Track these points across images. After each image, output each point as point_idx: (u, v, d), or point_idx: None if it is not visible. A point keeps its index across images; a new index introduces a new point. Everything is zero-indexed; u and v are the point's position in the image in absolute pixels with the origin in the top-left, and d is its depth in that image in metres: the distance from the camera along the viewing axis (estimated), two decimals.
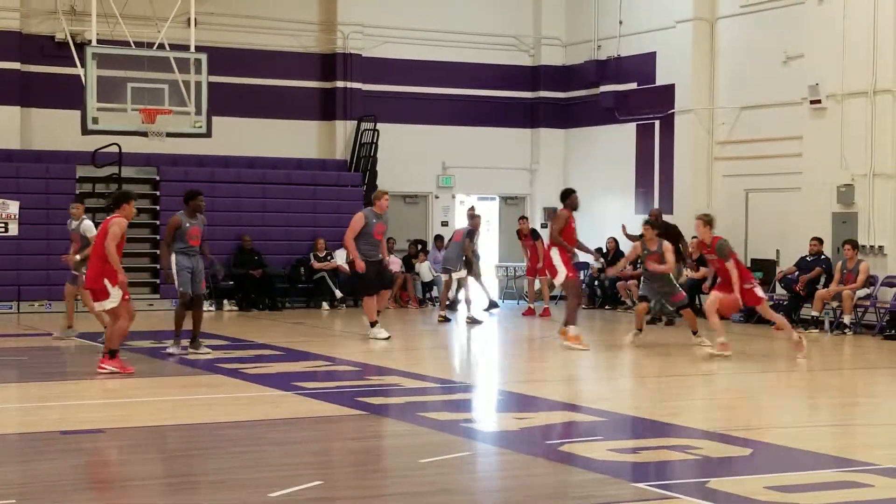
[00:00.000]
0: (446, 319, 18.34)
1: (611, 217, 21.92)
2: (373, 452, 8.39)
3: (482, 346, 16.25)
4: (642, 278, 15.50)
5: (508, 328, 18.53)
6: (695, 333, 14.74)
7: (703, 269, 19.72)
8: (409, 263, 21.99)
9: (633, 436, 9.13)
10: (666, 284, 14.81)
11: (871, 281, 17.14)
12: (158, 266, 18.91)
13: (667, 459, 8.03)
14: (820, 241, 17.79)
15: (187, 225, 13.43)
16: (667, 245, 14.88)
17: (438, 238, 22.29)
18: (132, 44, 17.82)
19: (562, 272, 14.38)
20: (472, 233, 18.66)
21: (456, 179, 23.70)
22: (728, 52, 20.66)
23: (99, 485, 7.19)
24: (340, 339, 16.50)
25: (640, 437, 9.06)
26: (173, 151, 20.77)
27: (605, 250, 21.38)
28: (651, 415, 9.87)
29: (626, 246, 20.11)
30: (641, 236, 15.22)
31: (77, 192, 20.29)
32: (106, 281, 11.68)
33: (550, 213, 20.63)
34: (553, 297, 21.03)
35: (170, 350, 13.55)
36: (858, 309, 17.13)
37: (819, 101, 18.18)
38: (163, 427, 9.12)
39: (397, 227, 21.89)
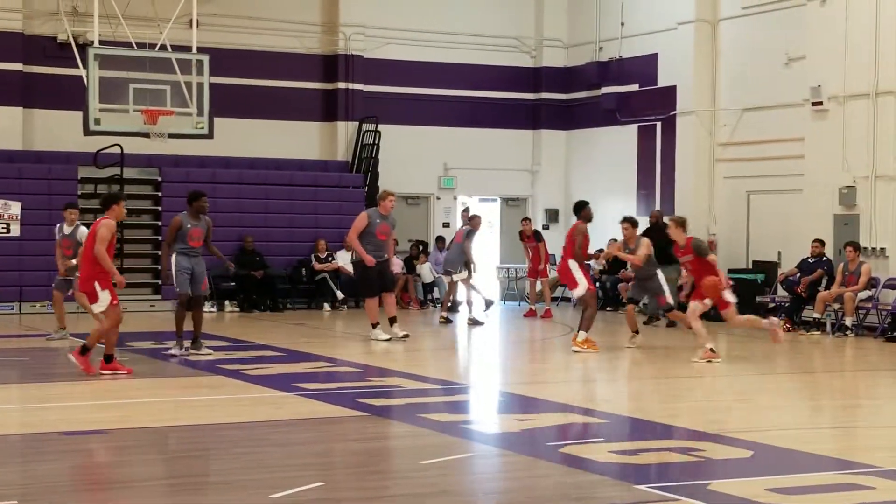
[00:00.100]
0: (447, 321, 18.34)
1: (612, 219, 21.80)
2: (374, 454, 8.39)
3: (483, 348, 16.24)
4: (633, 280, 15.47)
5: (510, 329, 18.53)
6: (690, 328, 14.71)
7: None
8: (410, 265, 22.00)
9: (635, 437, 9.12)
10: (654, 285, 14.74)
11: (872, 283, 17.13)
12: (159, 267, 18.91)
13: (668, 461, 8.03)
14: (822, 242, 17.78)
15: (188, 226, 13.41)
16: (644, 241, 14.82)
17: (440, 239, 22.30)
18: (134, 45, 17.83)
19: (582, 285, 14.38)
20: (471, 233, 18.66)
21: (457, 181, 23.70)
22: (730, 54, 20.66)
23: (100, 486, 7.19)
24: (342, 340, 16.50)
25: (642, 438, 9.05)
26: (175, 152, 20.78)
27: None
28: (652, 416, 9.86)
29: None
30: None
31: (79, 193, 20.31)
32: (96, 284, 11.64)
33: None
34: (554, 299, 21.03)
35: (172, 351, 13.55)
36: (860, 311, 17.12)
37: (821, 103, 18.17)
38: (164, 428, 9.12)
39: (398, 229, 21.81)
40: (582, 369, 13.23)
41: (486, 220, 24.78)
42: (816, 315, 17.12)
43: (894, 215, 17.56)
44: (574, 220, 15.06)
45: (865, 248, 17.54)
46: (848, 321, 16.78)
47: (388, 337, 15.02)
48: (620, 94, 22.66)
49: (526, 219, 21.29)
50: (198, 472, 7.73)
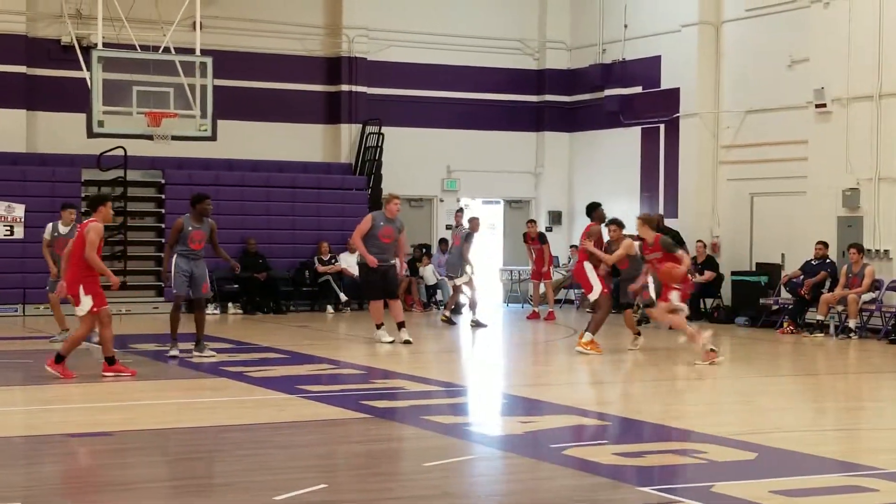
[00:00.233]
0: (449, 321, 18.32)
1: None
2: (377, 456, 8.39)
3: (486, 350, 16.24)
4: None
5: (513, 332, 18.53)
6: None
7: (708, 273, 19.75)
8: (413, 267, 22.00)
9: (638, 440, 9.12)
10: (641, 282, 14.63)
11: (876, 285, 17.12)
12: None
13: (672, 463, 8.03)
14: (825, 244, 17.77)
15: (189, 228, 13.44)
16: (625, 242, 14.73)
17: (443, 241, 22.31)
18: (138, 47, 17.85)
19: (597, 288, 14.41)
20: (469, 236, 18.67)
21: (461, 183, 23.70)
22: (733, 56, 20.66)
23: (104, 488, 7.20)
24: (345, 342, 16.51)
25: (645, 440, 9.06)
26: (178, 155, 20.80)
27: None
28: (656, 419, 9.86)
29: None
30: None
31: (82, 195, 20.32)
32: (81, 287, 11.62)
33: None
34: (557, 301, 21.03)
35: (170, 353, 13.57)
36: (864, 313, 17.10)
37: (824, 105, 18.16)
38: (168, 430, 9.13)
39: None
40: (585, 371, 13.23)
41: (490, 222, 24.82)
42: (820, 317, 17.11)
43: None
44: (588, 221, 15.06)
45: (869, 250, 17.53)
46: (851, 323, 16.77)
47: (391, 339, 15.03)
48: (624, 97, 22.66)
49: (531, 221, 21.28)
50: (201, 475, 7.74)
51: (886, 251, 17.57)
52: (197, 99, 17.50)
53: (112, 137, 18.46)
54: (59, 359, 11.63)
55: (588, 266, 14.47)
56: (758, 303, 18.86)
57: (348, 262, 20.84)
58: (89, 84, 17.04)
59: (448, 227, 23.31)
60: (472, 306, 18.59)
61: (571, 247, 22.83)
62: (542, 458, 8.09)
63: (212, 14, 20.73)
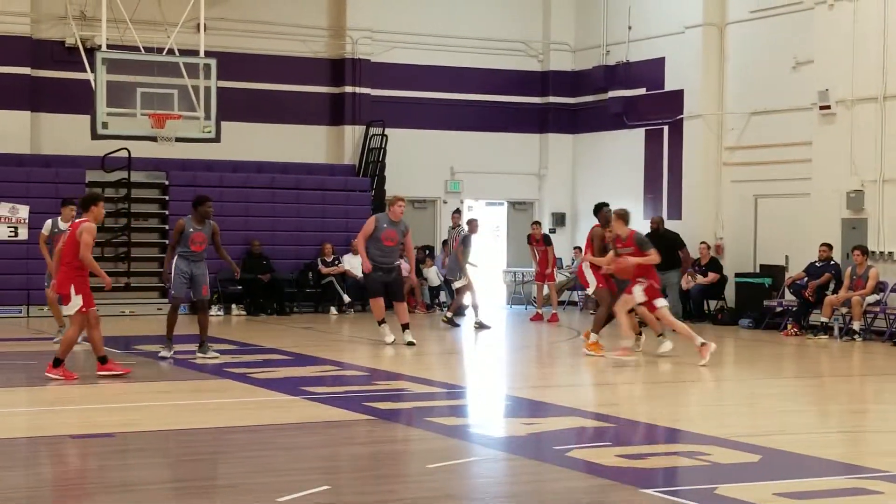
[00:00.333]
0: (451, 322, 18.31)
1: None
2: (380, 457, 8.39)
3: (490, 352, 16.23)
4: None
5: (516, 333, 18.52)
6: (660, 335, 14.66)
7: (711, 275, 19.73)
8: (416, 269, 21.98)
9: (642, 441, 9.12)
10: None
11: (880, 287, 17.10)
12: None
13: (675, 465, 8.02)
14: (829, 246, 17.75)
15: (191, 230, 13.47)
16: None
17: (446, 243, 22.29)
18: (142, 49, 17.87)
19: (592, 282, 14.52)
20: (467, 238, 18.68)
21: (464, 184, 23.70)
22: (737, 58, 20.64)
23: (107, 489, 7.20)
24: (348, 343, 16.50)
25: (649, 442, 9.05)
26: (182, 156, 20.82)
27: None
28: (659, 420, 9.86)
29: None
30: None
31: None
32: (72, 287, 11.61)
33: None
34: (561, 303, 21.02)
35: (161, 354, 13.59)
36: (868, 315, 17.08)
37: (829, 107, 18.15)
38: (171, 431, 9.13)
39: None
40: (588, 373, 13.21)
41: (494, 224, 24.81)
42: (824, 319, 17.10)
43: None
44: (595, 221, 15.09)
45: (873, 252, 17.51)
46: (856, 325, 16.75)
47: (392, 339, 15.02)
48: (627, 98, 22.65)
49: (536, 222, 21.29)
50: (204, 476, 7.74)
51: (891, 253, 17.55)
52: (201, 100, 17.51)
53: (116, 139, 18.47)
54: (57, 363, 11.63)
55: (585, 265, 14.61)
56: (761, 305, 18.84)
57: (351, 264, 20.84)
58: (93, 85, 17.06)
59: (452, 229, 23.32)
60: (474, 308, 18.57)
61: (575, 248, 22.83)
62: (546, 460, 8.08)
63: (216, 16, 20.75)
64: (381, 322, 15.23)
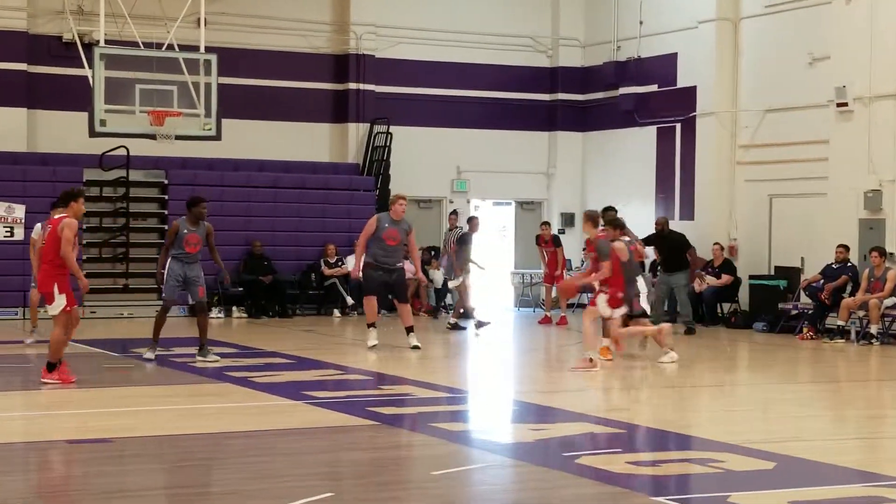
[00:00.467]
0: (455, 326, 18.32)
1: (630, 223, 21.81)
2: (384, 464, 8.39)
3: (496, 355, 16.23)
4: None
5: (524, 336, 18.51)
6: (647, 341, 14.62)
7: (725, 277, 19.72)
8: (423, 270, 21.96)
9: (653, 448, 9.11)
10: (631, 291, 14.46)
11: None
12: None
13: (687, 473, 8.01)
14: (846, 248, 17.72)
15: (185, 231, 13.51)
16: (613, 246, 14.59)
17: (444, 246, 22.27)
18: (141, 44, 17.89)
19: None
20: (464, 237, 18.70)
21: (471, 184, 23.69)
22: (752, 53, 20.62)
23: (105, 495, 7.21)
24: (352, 347, 16.50)
25: (660, 449, 9.04)
26: (182, 154, 20.84)
27: None
28: (671, 426, 9.84)
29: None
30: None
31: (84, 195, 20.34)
32: (55, 286, 11.62)
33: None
34: (570, 305, 20.99)
35: (146, 355, 13.64)
36: (886, 318, 17.04)
37: (846, 104, 18.12)
38: (170, 437, 9.14)
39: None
40: (598, 378, 13.20)
41: (501, 224, 24.81)
42: (841, 323, 17.07)
43: None
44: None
45: (891, 254, 17.47)
46: (873, 329, 16.72)
47: (374, 344, 14.96)
48: (639, 95, 22.64)
49: (545, 223, 21.29)
50: (204, 482, 7.75)
51: None
52: (201, 97, 17.53)
53: (114, 137, 18.49)
54: (51, 367, 11.63)
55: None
56: (776, 308, 18.81)
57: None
58: (91, 82, 17.08)
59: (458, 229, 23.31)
60: (468, 311, 18.64)
61: (584, 249, 22.82)
62: (554, 467, 8.07)
63: (216, 10, 20.77)
64: (370, 325, 15.16)
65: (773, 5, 20.16)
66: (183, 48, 17.96)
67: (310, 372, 13.03)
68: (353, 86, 22.73)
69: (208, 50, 17.90)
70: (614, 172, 23.30)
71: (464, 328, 18.54)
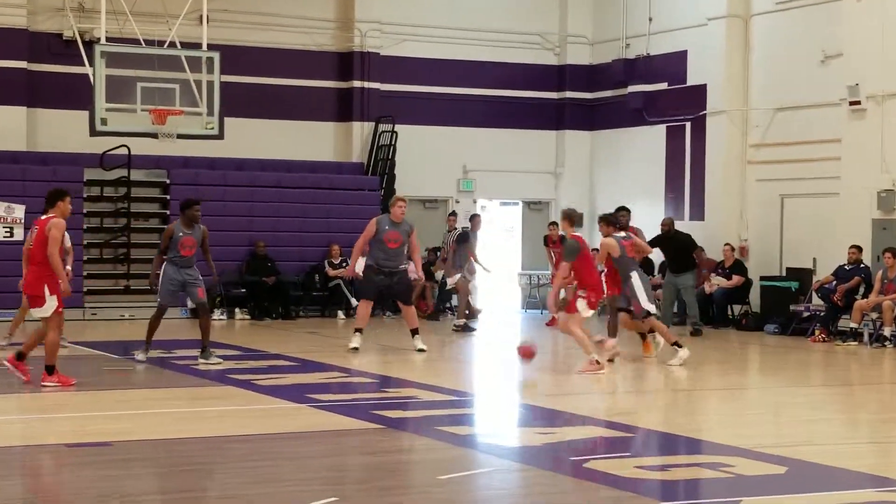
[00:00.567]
0: (463, 328, 18.32)
1: (639, 223, 21.84)
2: (389, 468, 8.39)
3: (503, 358, 16.22)
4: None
5: (531, 339, 18.49)
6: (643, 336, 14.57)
7: (736, 278, 19.69)
8: (428, 271, 21.96)
9: (662, 452, 9.11)
10: (627, 291, 14.46)
11: None
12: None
13: (697, 477, 8.00)
14: (859, 248, 17.69)
15: (180, 234, 13.54)
16: (603, 242, 14.57)
17: (442, 249, 22.25)
18: (142, 42, 17.90)
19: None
20: (463, 237, 18.70)
21: (477, 183, 23.69)
22: (763, 51, 20.59)
23: (104, 500, 7.21)
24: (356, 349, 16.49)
25: (669, 453, 9.04)
26: (184, 153, 20.86)
27: None
28: (680, 430, 9.84)
29: (655, 255, 20.03)
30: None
31: (84, 195, 20.41)
32: (45, 287, 11.61)
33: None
34: None
35: (138, 357, 13.68)
36: None
37: (859, 102, 18.09)
38: (171, 440, 9.15)
39: (417, 232, 21.84)
40: (606, 380, 13.19)
41: (509, 225, 24.81)
42: (853, 325, 17.03)
43: None
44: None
45: None
46: (887, 331, 16.68)
47: (356, 345, 14.94)
48: (648, 93, 22.62)
49: (553, 223, 21.27)
50: (205, 487, 7.75)
51: None
52: (203, 96, 17.54)
53: (115, 135, 18.50)
54: (50, 370, 11.65)
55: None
56: (788, 309, 18.78)
57: (360, 266, 20.81)
58: (92, 80, 17.09)
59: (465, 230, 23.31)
60: (459, 314, 18.70)
61: (593, 250, 22.77)
62: (562, 471, 8.07)
63: (219, 7, 20.76)
64: (357, 330, 15.10)
65: (784, 1, 20.13)
66: (185, 46, 17.97)
67: (314, 374, 13.04)
68: (357, 84, 22.73)
69: (211, 47, 17.90)
70: (623, 172, 23.28)
71: (473, 329, 18.54)
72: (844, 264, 17.78)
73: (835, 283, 17.72)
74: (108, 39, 17.36)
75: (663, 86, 22.46)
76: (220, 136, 17.99)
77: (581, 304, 13.28)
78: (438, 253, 22.26)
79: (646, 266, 19.87)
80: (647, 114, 22.66)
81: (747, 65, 20.81)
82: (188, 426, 9.87)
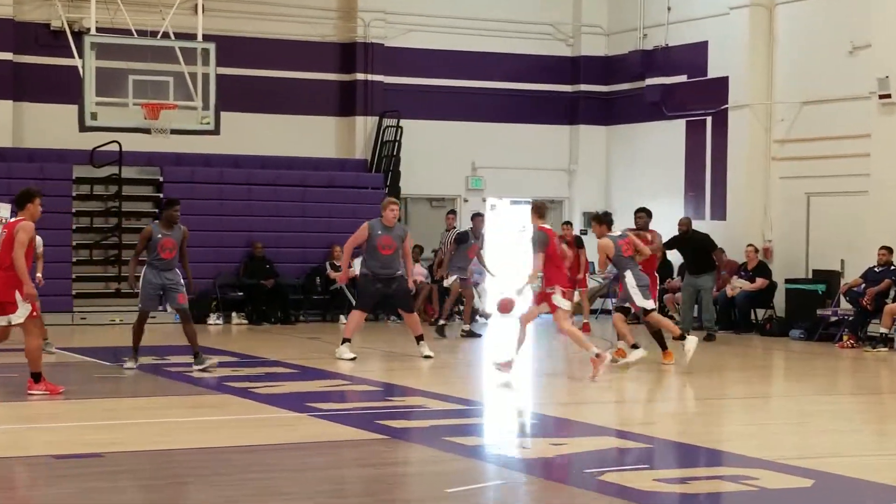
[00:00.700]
0: (470, 334, 18.34)
1: (657, 223, 21.81)
2: (394, 480, 8.40)
3: (514, 364, 16.20)
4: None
5: (543, 345, 18.51)
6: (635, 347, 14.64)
7: (759, 280, 19.68)
8: (433, 273, 21.97)
9: (681, 464, 9.11)
10: (624, 291, 14.55)
11: None
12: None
13: (719, 491, 8.00)
14: (889, 250, 17.69)
15: (159, 236, 13.59)
16: (600, 243, 14.64)
17: (440, 249, 22.24)
18: (134, 32, 17.93)
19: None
20: (462, 237, 18.72)
21: (486, 181, 23.71)
22: (788, 41, 20.59)
23: None
24: (360, 355, 16.50)
25: (689, 465, 9.04)
26: (178, 150, 20.89)
27: None
28: (701, 441, 9.83)
29: (672, 256, 20.03)
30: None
31: (74, 194, 20.47)
32: (17, 293, 11.61)
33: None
34: (594, 311, 20.99)
35: (127, 365, 13.73)
36: None
37: (889, 96, 18.08)
38: (164, 451, 9.16)
39: (423, 233, 21.90)
40: (623, 388, 13.19)
41: (520, 225, 24.78)
42: (883, 330, 17.02)
43: None
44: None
45: None
46: None
47: (353, 356, 14.93)
48: (666, 86, 22.63)
49: (566, 223, 21.29)
50: (202, 500, 7.76)
51: None
52: (198, 89, 17.56)
53: (106, 131, 18.54)
54: (37, 377, 11.67)
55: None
56: (814, 314, 18.77)
57: (355, 265, 20.84)
58: (81, 72, 17.13)
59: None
60: (446, 315, 18.75)
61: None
62: (576, 485, 8.07)
63: None
64: (346, 340, 15.06)
65: None
66: (179, 36, 18.00)
67: (314, 382, 13.05)
68: (360, 76, 22.76)
69: (206, 38, 17.93)
70: (640, 169, 23.29)
71: (479, 335, 18.55)
72: (874, 266, 17.77)
73: (864, 285, 17.70)
74: (98, 30, 17.39)
75: (683, 78, 22.47)
76: (215, 132, 18.01)
77: (558, 300, 13.47)
78: (436, 254, 22.29)
79: (664, 268, 19.93)
80: (666, 108, 22.66)
81: (771, 56, 20.81)
82: (182, 436, 9.89)
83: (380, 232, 14.96)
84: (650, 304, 14.44)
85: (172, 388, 12.68)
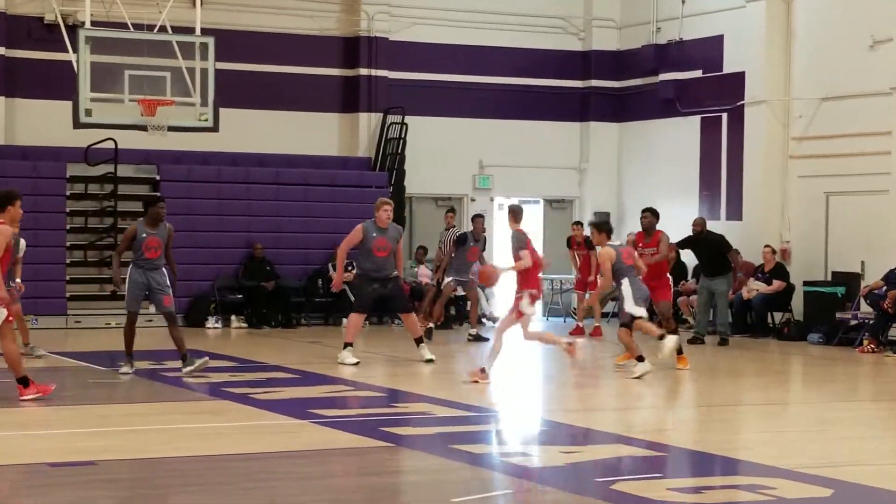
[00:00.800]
0: (478, 338, 18.35)
1: (671, 224, 21.81)
2: (399, 489, 8.40)
3: (523, 370, 16.22)
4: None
5: (553, 349, 18.50)
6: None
7: (776, 283, 19.67)
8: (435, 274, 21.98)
9: (696, 473, 9.11)
10: (619, 298, 14.57)
11: None
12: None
13: (735, 500, 7.99)
14: None
15: (143, 235, 13.59)
16: (601, 252, 14.67)
17: (439, 248, 22.23)
18: (130, 26, 17.95)
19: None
20: (462, 238, 18.73)
21: (494, 180, 23.70)
22: (806, 35, 20.57)
23: None
24: (363, 360, 16.51)
25: (704, 474, 9.03)
26: (175, 147, 20.90)
27: None
28: (716, 449, 9.83)
29: (686, 257, 20.03)
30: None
31: (68, 193, 20.49)
32: None
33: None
34: (605, 314, 20.98)
35: (123, 370, 13.76)
36: None
37: None
38: (160, 459, 9.17)
39: (428, 234, 21.92)
40: (635, 395, 13.19)
41: (528, 224, 24.77)
42: None
43: None
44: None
45: None
46: None
47: (356, 361, 14.94)
48: (681, 82, 22.61)
49: (577, 223, 21.28)
50: None
51: None
52: (196, 84, 17.58)
53: (101, 128, 18.57)
54: (24, 382, 11.68)
55: None
56: (834, 317, 18.76)
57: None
58: (76, 67, 17.15)
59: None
60: (436, 319, 18.78)
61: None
62: (587, 494, 8.07)
63: None
64: (347, 345, 15.10)
65: None
66: (177, 30, 18.02)
67: (316, 388, 13.05)
68: (364, 72, 22.77)
69: (204, 32, 17.95)
70: (653, 167, 23.28)
71: (486, 339, 18.55)
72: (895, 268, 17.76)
73: (885, 288, 17.69)
74: (93, 23, 17.42)
75: (697, 73, 22.46)
76: (214, 129, 18.03)
77: (525, 305, 13.53)
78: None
79: (677, 270, 19.95)
80: (680, 104, 22.65)
81: (789, 50, 20.79)
82: (179, 444, 9.89)
83: (374, 234, 14.99)
84: (639, 311, 14.42)
85: (169, 394, 12.69)
